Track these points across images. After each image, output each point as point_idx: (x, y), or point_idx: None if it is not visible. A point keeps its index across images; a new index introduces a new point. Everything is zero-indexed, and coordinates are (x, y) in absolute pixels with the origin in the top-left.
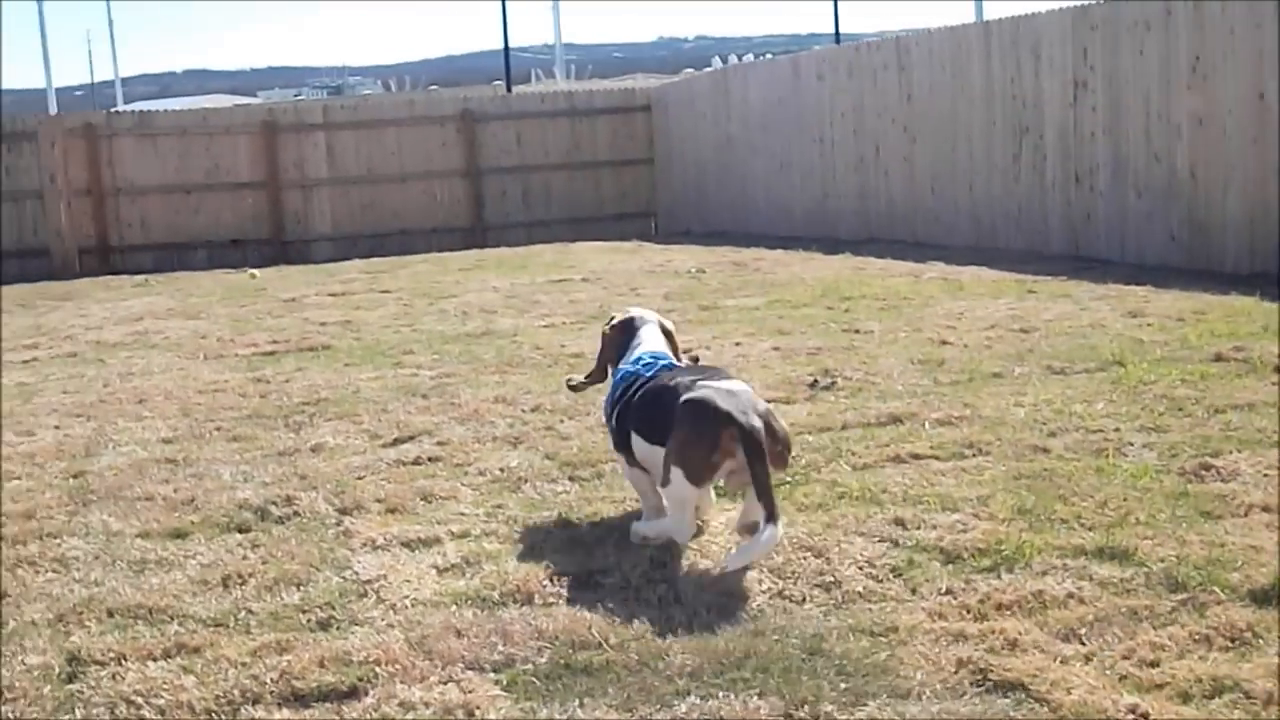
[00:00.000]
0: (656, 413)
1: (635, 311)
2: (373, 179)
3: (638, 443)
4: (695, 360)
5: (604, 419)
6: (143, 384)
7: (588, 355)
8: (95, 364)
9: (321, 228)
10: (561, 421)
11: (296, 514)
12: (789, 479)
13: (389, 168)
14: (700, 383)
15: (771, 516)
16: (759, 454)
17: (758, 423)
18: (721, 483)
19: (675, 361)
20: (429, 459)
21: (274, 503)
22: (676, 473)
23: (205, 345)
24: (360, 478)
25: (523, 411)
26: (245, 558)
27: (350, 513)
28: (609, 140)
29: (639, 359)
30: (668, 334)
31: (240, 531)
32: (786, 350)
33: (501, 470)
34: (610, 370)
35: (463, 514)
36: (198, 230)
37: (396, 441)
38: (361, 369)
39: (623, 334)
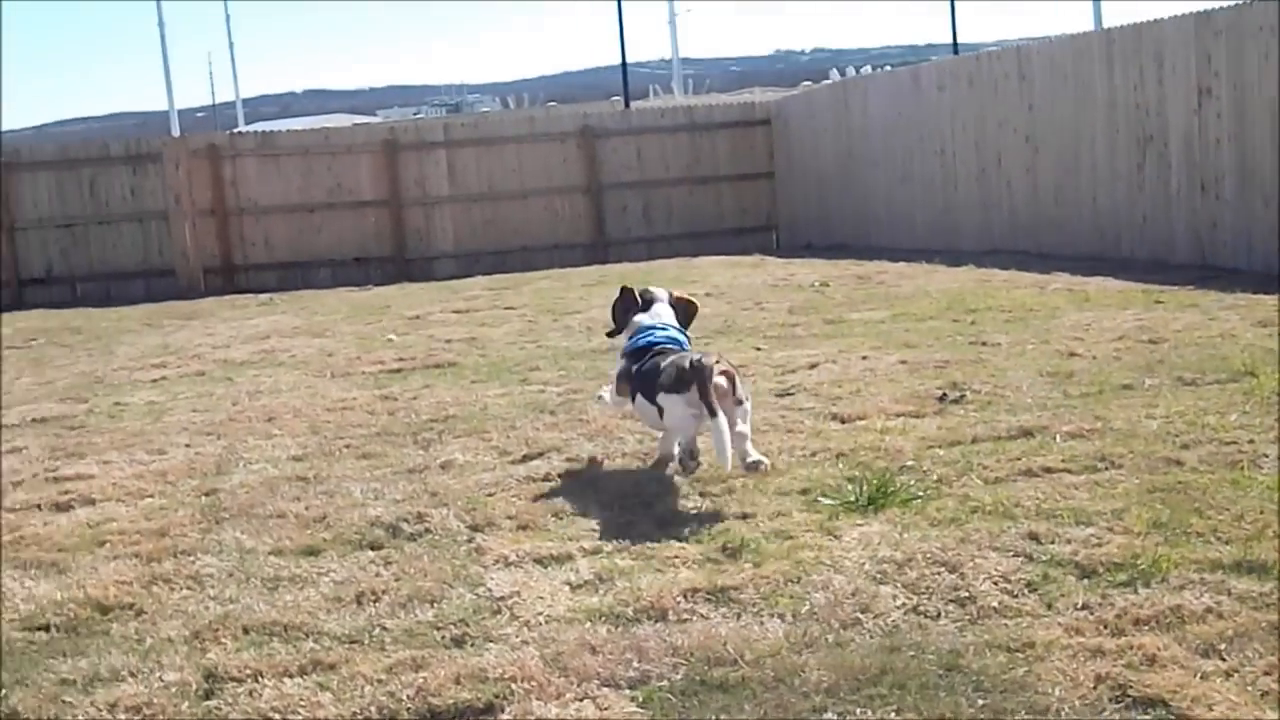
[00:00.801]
0: (650, 381)
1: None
2: (494, 196)
3: (639, 399)
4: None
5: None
6: (271, 402)
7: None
8: (223, 382)
9: (443, 245)
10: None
11: (428, 531)
12: (920, 494)
13: (510, 184)
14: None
15: (711, 413)
16: (704, 382)
17: (707, 369)
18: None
19: (678, 334)
20: (559, 475)
21: (405, 520)
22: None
23: (332, 363)
24: (491, 494)
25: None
26: (378, 574)
27: (482, 529)
28: (729, 154)
29: (652, 332)
30: (677, 303)
31: (373, 548)
32: (914, 363)
33: (632, 486)
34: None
35: (594, 530)
36: (321, 248)
37: (526, 458)
38: (488, 386)
39: (627, 300)
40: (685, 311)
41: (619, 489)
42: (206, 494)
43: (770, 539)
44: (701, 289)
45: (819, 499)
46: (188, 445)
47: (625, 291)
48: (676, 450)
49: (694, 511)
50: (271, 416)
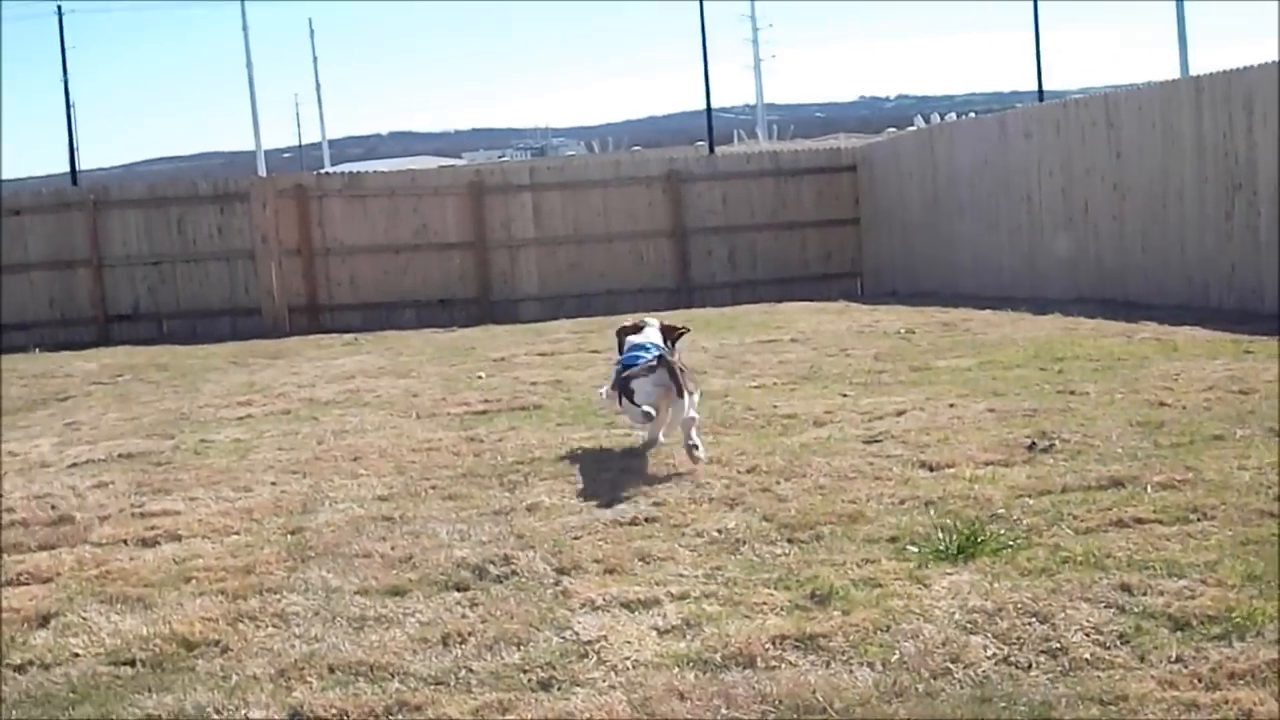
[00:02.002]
0: (628, 381)
1: (645, 318)
2: (579, 239)
3: (624, 400)
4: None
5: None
6: (357, 441)
7: (800, 416)
8: (309, 421)
9: (528, 288)
10: (778, 483)
11: (514, 573)
12: (1011, 543)
13: (595, 228)
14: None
15: (680, 392)
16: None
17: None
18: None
19: (663, 349)
20: (645, 519)
21: (491, 562)
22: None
23: (417, 404)
24: (577, 538)
25: (738, 472)
26: (464, 616)
27: (568, 573)
28: (814, 200)
29: (639, 349)
30: (665, 329)
31: (458, 590)
32: (1002, 412)
33: (719, 532)
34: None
35: (681, 575)
36: (406, 289)
37: (611, 502)
38: (574, 429)
39: (623, 334)
40: (670, 334)
41: (706, 533)
42: (292, 532)
43: (859, 586)
44: (786, 334)
45: (908, 547)
46: (273, 483)
47: (621, 330)
48: (647, 431)
49: (782, 557)
50: (357, 456)
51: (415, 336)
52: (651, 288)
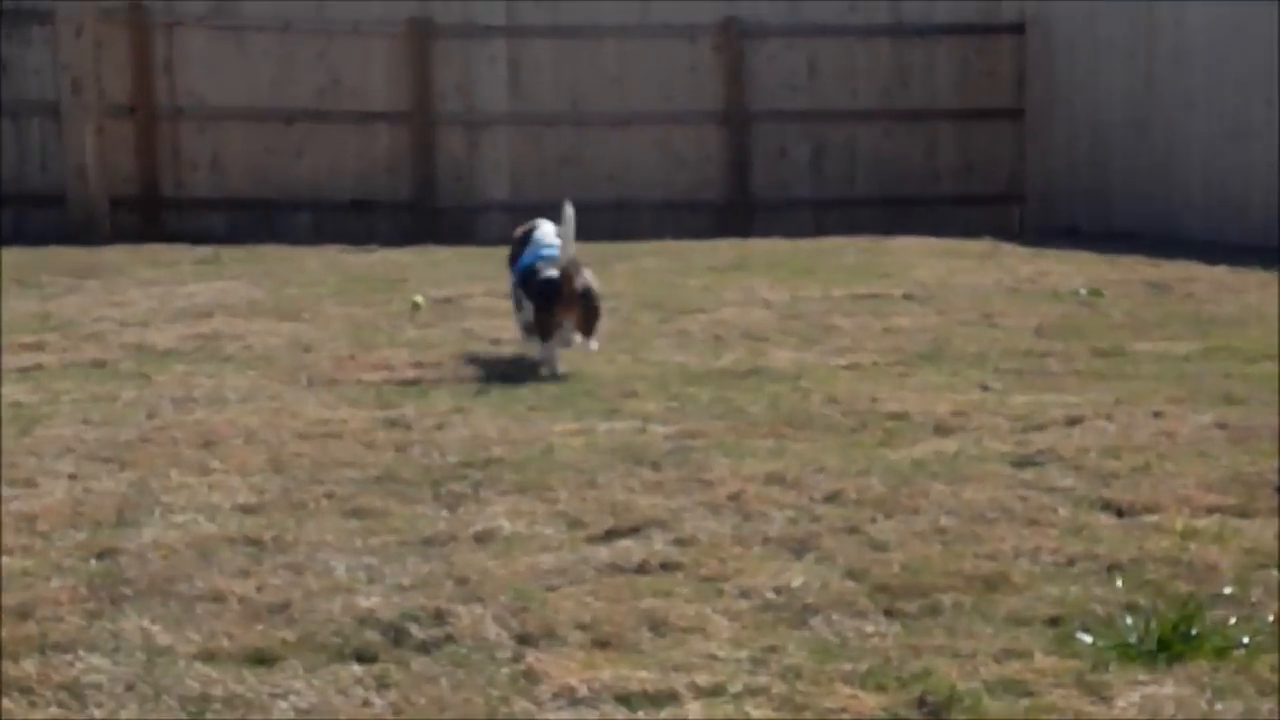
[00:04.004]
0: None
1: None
2: (578, 118)
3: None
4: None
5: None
6: (210, 417)
7: (914, 418)
8: (135, 381)
9: (494, 189)
10: (874, 520)
11: (450, 639)
12: (1245, 640)
13: (604, 101)
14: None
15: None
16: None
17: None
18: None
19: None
20: (662, 565)
21: (415, 618)
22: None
23: (309, 363)
24: (553, 588)
25: (811, 500)
26: (368, 703)
27: (536, 643)
28: (954, 77)
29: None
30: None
31: (360, 661)
32: (1238, 428)
33: (776, 591)
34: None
35: (714, 657)
36: (300, 181)
37: (610, 534)
38: (556, 415)
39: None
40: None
41: (756, 592)
42: (99, 556)
43: (996, 693)
44: (896, 288)
45: (1077, 635)
46: (72, 476)
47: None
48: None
49: (875, 638)
50: (209, 441)
51: (312, 256)
52: (688, 201)
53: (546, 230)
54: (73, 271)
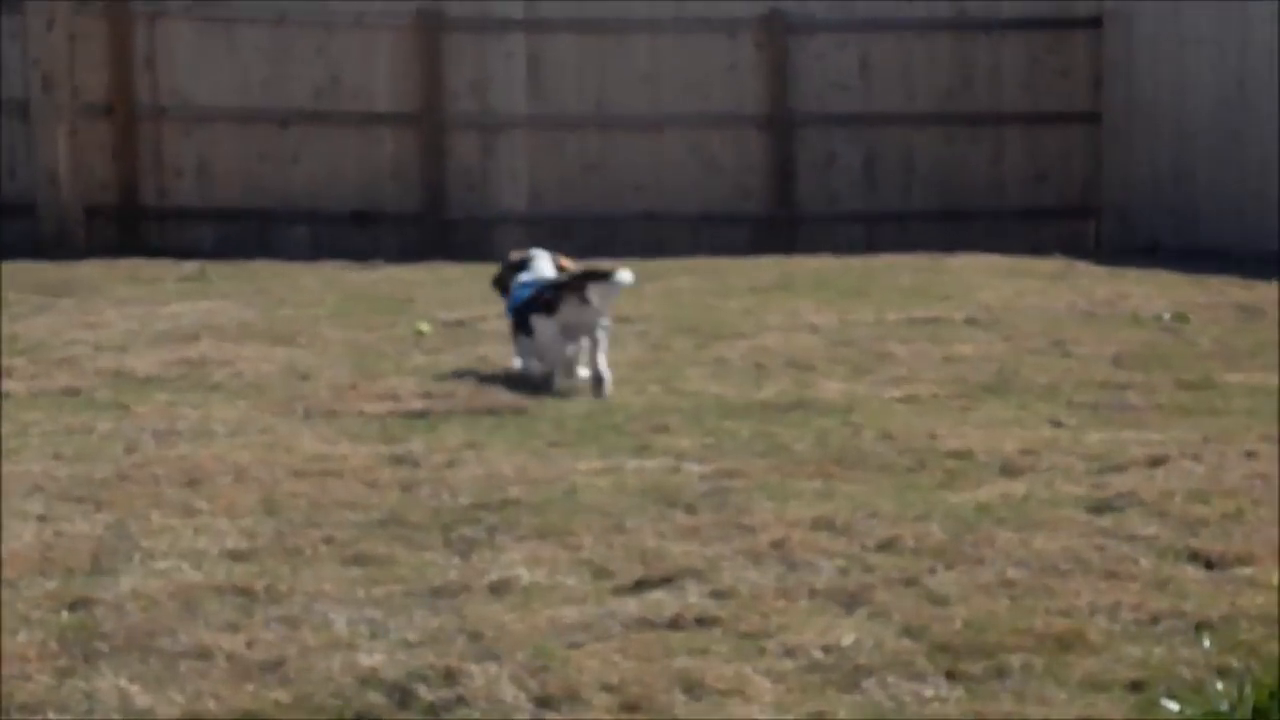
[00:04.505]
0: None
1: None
2: (604, 121)
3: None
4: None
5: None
6: (195, 452)
7: (978, 456)
8: (112, 411)
9: (511, 199)
10: (933, 571)
11: (462, 701)
12: None
13: (634, 103)
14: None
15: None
16: None
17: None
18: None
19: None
20: (698, 619)
21: (424, 678)
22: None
23: (306, 393)
24: (576, 645)
25: (864, 548)
26: None
27: (557, 706)
28: (1023, 76)
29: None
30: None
31: None
32: None
33: (825, 650)
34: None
35: None
36: (296, 190)
37: (640, 585)
38: (580, 452)
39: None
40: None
41: (803, 651)
42: (71, 607)
43: None
44: (958, 310)
45: (1163, 702)
46: (42, 518)
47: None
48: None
49: (935, 703)
50: (194, 478)
51: (308, 273)
52: (725, 214)
53: (543, 265)
54: (43, 289)
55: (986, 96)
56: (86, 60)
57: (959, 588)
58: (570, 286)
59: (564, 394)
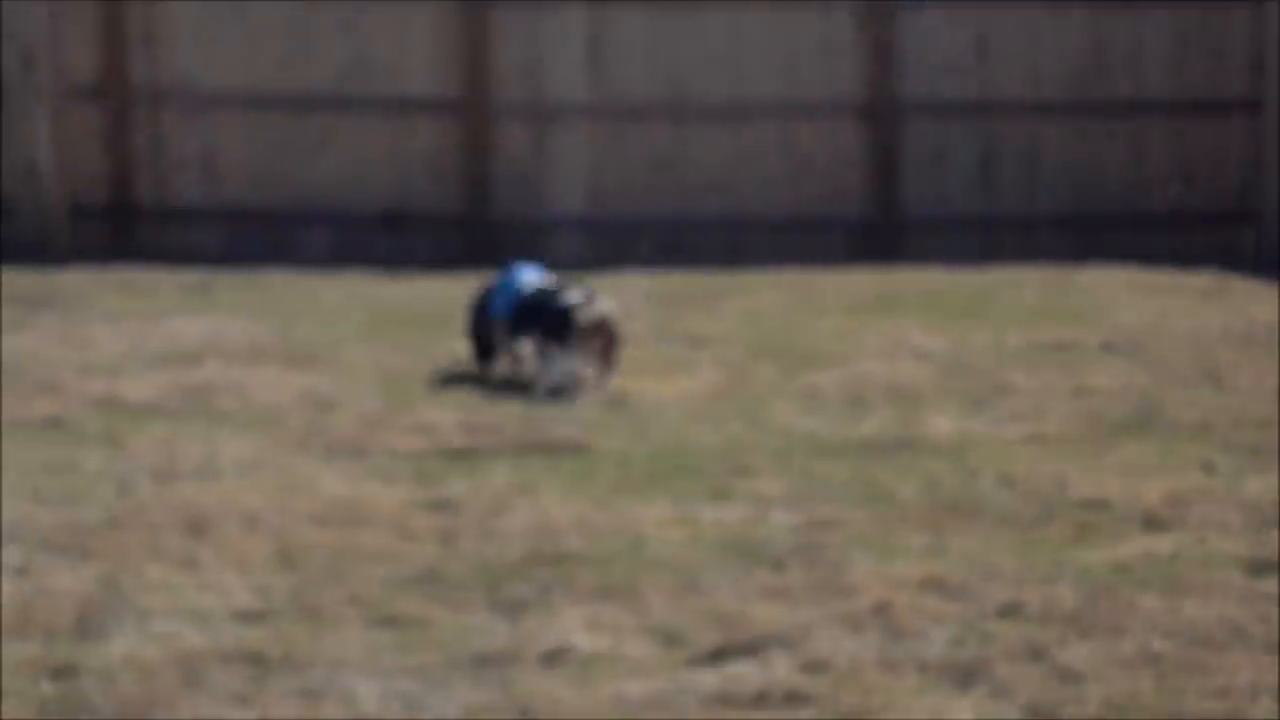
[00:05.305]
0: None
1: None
2: (676, 110)
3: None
4: None
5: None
6: (199, 494)
7: (1116, 506)
8: (102, 446)
9: (568, 200)
10: (1063, 641)
11: None
12: None
13: (711, 88)
14: None
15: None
16: None
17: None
18: None
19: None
20: (786, 695)
21: None
22: None
23: (328, 425)
24: None
25: (981, 613)
26: None
27: None
28: (1170, 58)
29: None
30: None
31: None
32: None
33: None
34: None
35: None
36: (317, 187)
37: (718, 655)
38: (648, 497)
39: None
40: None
41: None
42: (55, 675)
43: None
44: (1091, 334)
45: None
46: (21, 571)
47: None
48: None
49: None
50: (199, 525)
51: (331, 285)
52: (817, 218)
53: (531, 276)
54: (21, 300)
55: (1126, 82)
56: (73, 34)
57: (1094, 662)
58: (601, 335)
59: (630, 429)
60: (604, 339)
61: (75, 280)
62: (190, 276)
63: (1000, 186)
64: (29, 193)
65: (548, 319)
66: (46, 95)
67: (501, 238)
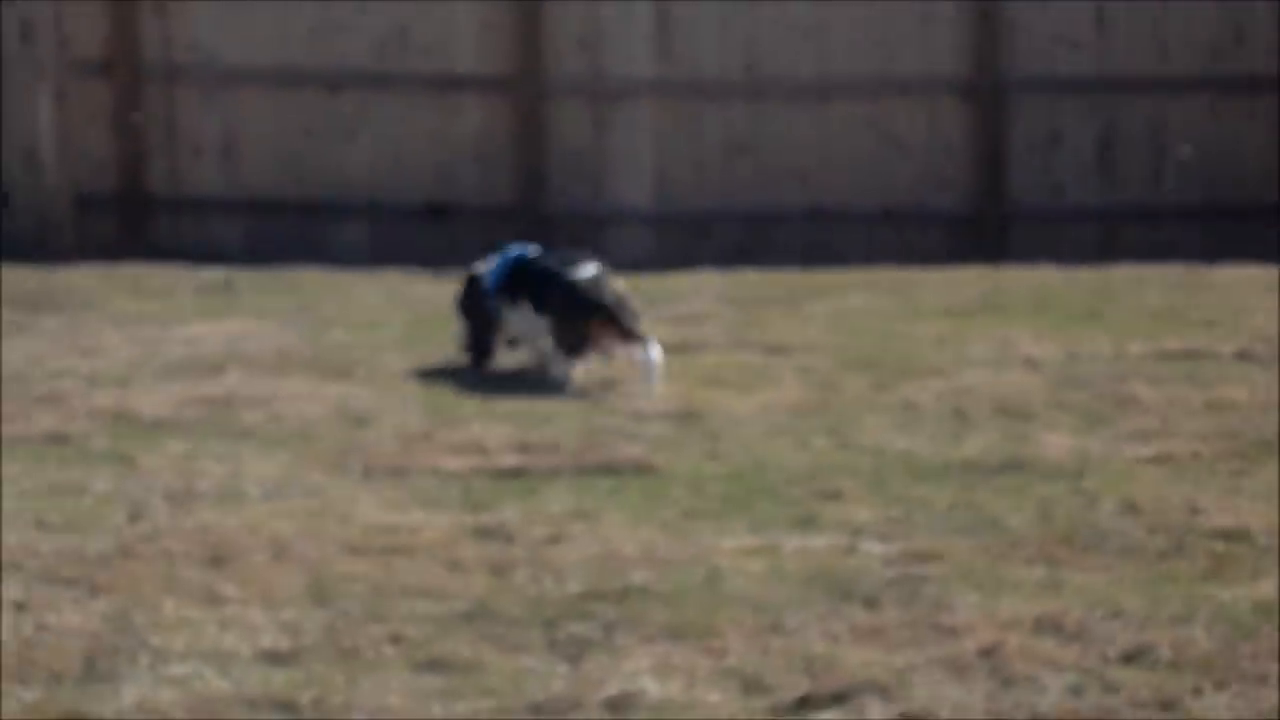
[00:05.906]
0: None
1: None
2: (754, 89)
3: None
4: None
5: None
6: (221, 521)
7: (1257, 537)
8: (112, 465)
9: (632, 190)
10: (1197, 691)
11: None
12: None
13: (793, 65)
14: None
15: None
16: None
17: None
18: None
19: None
20: None
21: None
22: None
23: (365, 442)
24: None
25: (1103, 659)
26: None
27: None
28: None
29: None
30: None
31: None
32: None
33: None
34: None
35: None
36: (351, 174)
37: (805, 703)
38: (724, 525)
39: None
40: None
41: None
42: None
43: None
44: (1224, 342)
45: None
46: (20, 606)
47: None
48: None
49: None
50: (220, 555)
51: (368, 284)
52: (913, 209)
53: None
54: (21, 302)
55: (1264, 55)
56: (79, 4)
57: (1232, 713)
58: (616, 330)
59: (703, 447)
60: (603, 309)
61: (81, 279)
62: (209, 275)
63: (1121, 174)
64: (29, 181)
65: (541, 288)
66: (49, 71)
67: (557, 232)
